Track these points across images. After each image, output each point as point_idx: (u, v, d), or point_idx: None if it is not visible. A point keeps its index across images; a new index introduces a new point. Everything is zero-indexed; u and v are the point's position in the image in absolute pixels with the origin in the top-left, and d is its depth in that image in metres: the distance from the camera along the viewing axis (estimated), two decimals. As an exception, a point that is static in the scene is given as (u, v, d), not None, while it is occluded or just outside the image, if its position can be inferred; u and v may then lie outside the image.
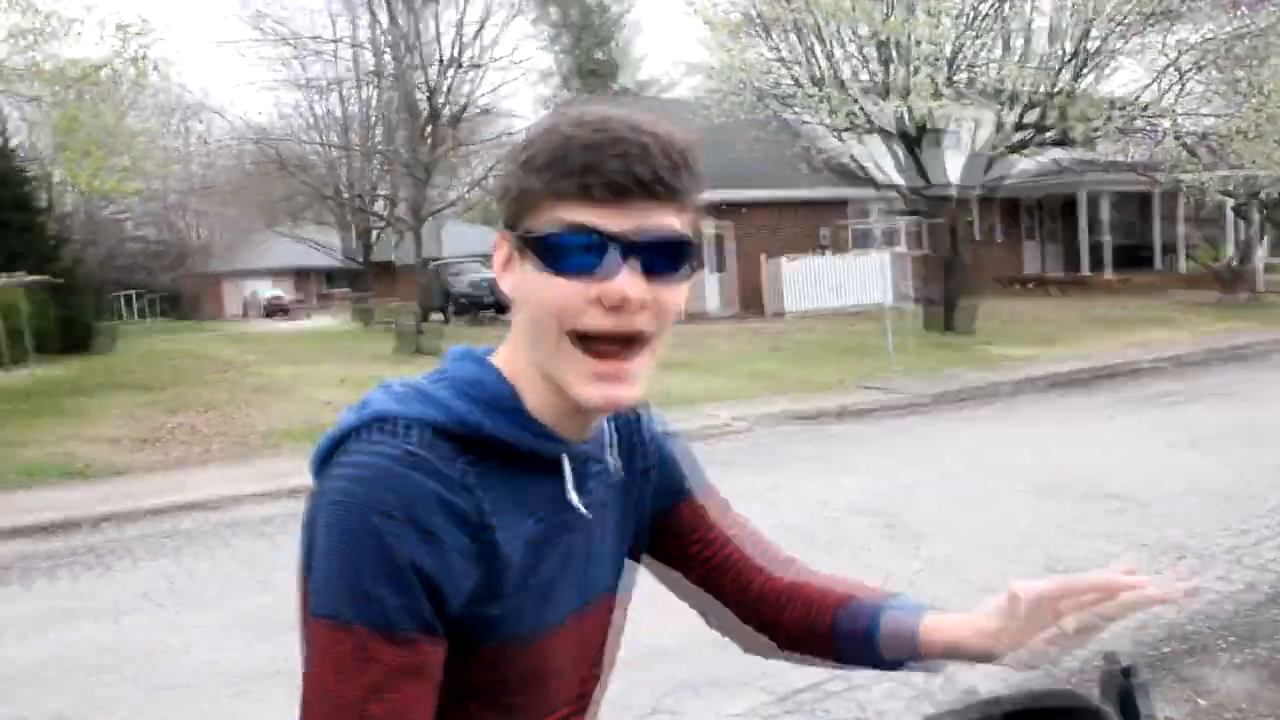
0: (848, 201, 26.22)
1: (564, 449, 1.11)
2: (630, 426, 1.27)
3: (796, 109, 19.87)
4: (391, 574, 0.95)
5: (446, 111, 22.83)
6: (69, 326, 28.62)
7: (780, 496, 7.72)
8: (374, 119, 31.95)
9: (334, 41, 27.59)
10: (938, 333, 17.94)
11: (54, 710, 4.53)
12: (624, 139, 1.00)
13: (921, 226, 18.67)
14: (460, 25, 21.70)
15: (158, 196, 50.87)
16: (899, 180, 18.93)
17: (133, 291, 52.15)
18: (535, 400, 1.09)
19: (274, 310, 50.82)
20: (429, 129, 21.92)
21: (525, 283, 1.05)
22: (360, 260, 35.93)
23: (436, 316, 33.37)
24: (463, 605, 1.01)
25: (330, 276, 57.01)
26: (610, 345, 1.02)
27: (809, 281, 25.16)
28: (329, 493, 0.99)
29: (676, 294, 1.05)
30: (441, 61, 22.03)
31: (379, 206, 31.43)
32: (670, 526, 1.31)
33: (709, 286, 26.10)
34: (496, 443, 1.05)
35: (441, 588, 0.98)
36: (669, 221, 1.02)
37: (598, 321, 1.01)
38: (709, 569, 1.31)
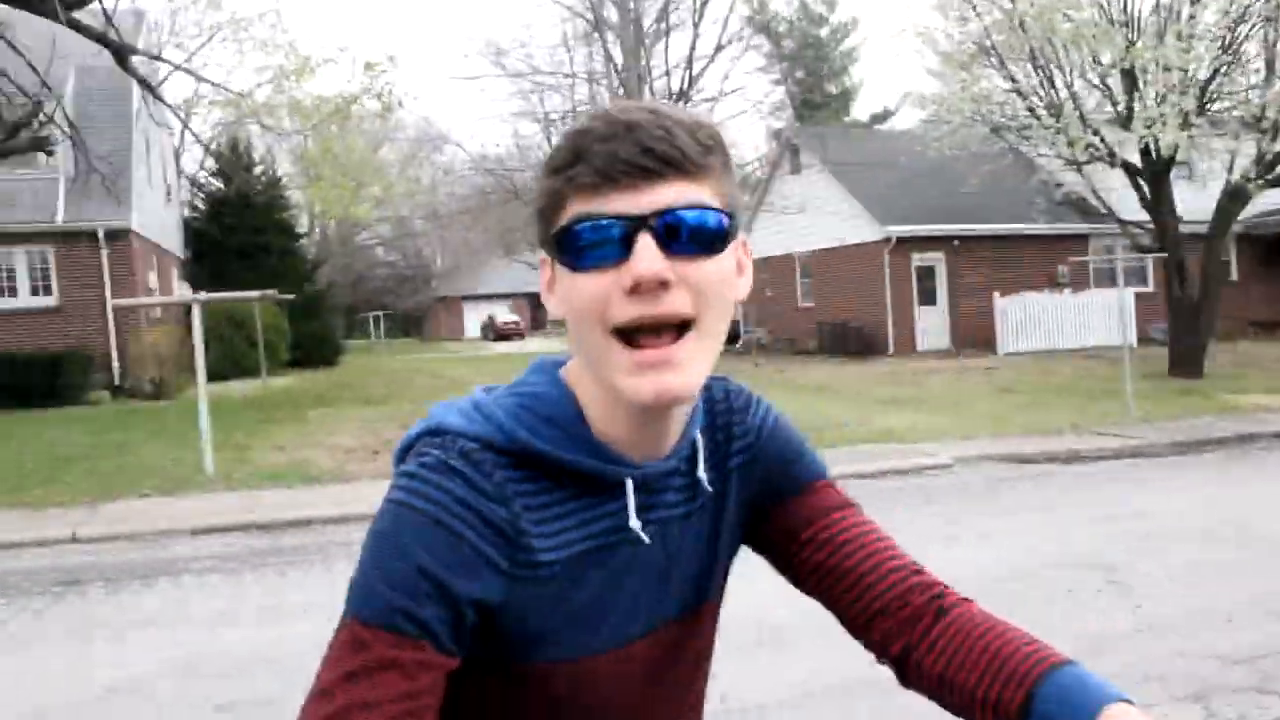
0: (1085, 237, 25.05)
1: (628, 471, 1.06)
2: (726, 427, 1.20)
3: (1032, 141, 19.12)
4: (402, 574, 0.95)
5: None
6: (320, 343, 30.77)
7: (995, 540, 7.39)
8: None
9: (568, 76, 28.58)
10: (1182, 378, 16.79)
11: (264, 694, 4.83)
12: (641, 124, 0.96)
13: (1166, 264, 17.50)
14: (690, 59, 22.05)
15: (405, 224, 54.33)
16: (1142, 215, 17.86)
17: (379, 312, 55.45)
18: (601, 415, 1.06)
19: (506, 333, 53.03)
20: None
21: (561, 292, 1.02)
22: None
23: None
24: (490, 616, 1.00)
25: (563, 303, 59.09)
26: (650, 335, 0.97)
27: (1038, 319, 24.18)
28: (383, 503, 1.01)
29: (712, 270, 0.99)
30: (670, 94, 22.42)
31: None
32: (776, 525, 1.21)
33: (922, 321, 25.41)
34: (549, 460, 1.03)
35: (459, 595, 0.96)
36: (692, 196, 0.97)
37: (627, 311, 0.96)
38: (824, 574, 1.17)
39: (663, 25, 22.72)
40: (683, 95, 22.51)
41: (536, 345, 43.11)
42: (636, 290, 0.95)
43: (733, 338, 32.96)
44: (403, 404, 17.48)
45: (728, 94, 23.41)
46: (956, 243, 25.11)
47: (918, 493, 9.27)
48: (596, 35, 23.57)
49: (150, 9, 21.32)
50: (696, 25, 22.12)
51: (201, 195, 33.13)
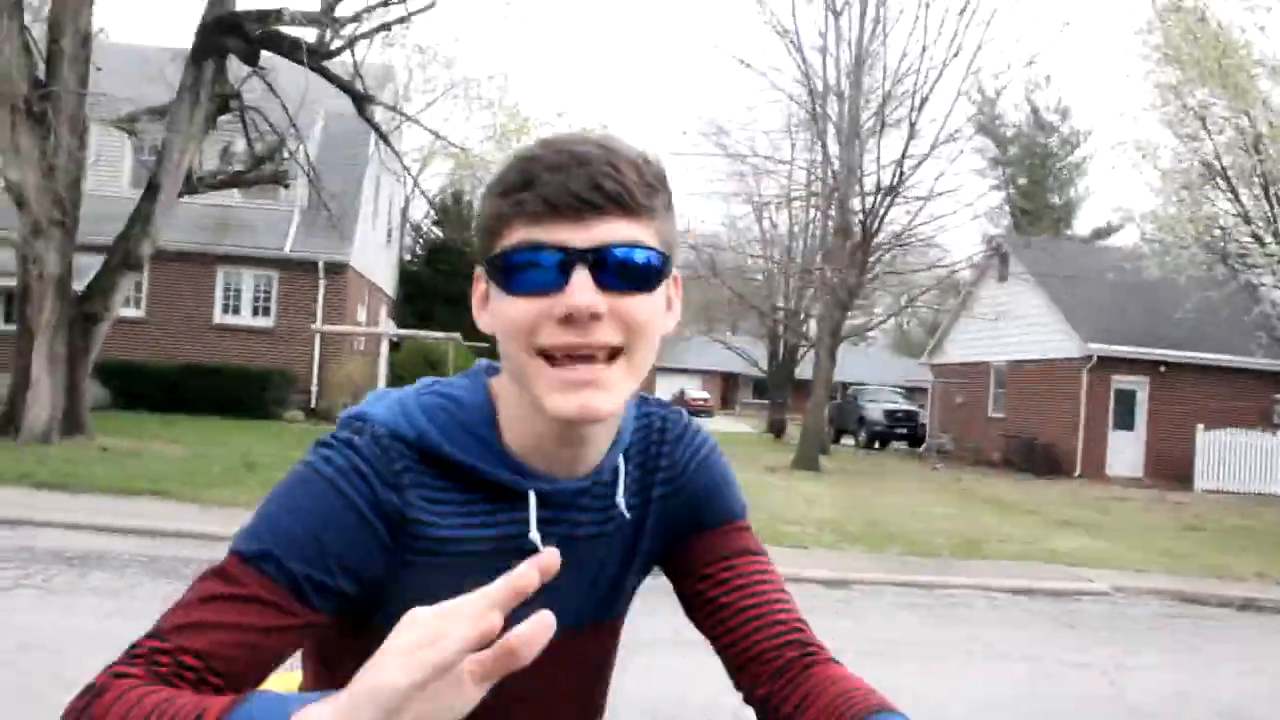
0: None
1: (531, 484, 1.11)
2: (656, 456, 1.24)
3: (1257, 270, 18.12)
4: (288, 528, 1.02)
5: (879, 238, 23.11)
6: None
7: (1128, 676, 6.99)
8: (810, 238, 32.98)
9: (785, 162, 28.91)
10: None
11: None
12: (590, 155, 1.01)
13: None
14: (903, 156, 21.95)
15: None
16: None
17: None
18: (517, 429, 1.11)
19: (694, 409, 53.44)
20: (858, 253, 22.25)
21: (494, 310, 1.07)
22: (780, 374, 36.87)
23: (848, 440, 33.60)
24: (373, 589, 1.05)
25: (758, 386, 59.28)
26: (580, 360, 1.02)
27: (1243, 458, 22.65)
28: (293, 465, 1.09)
29: (644, 305, 1.03)
30: (879, 189, 22.37)
31: (806, 325, 32.23)
32: (684, 555, 1.24)
33: (1115, 445, 24.18)
34: (453, 463, 1.09)
35: (336, 562, 1.02)
36: (633, 235, 1.02)
37: (557, 338, 1.01)
38: (713, 610, 1.21)
39: (879, 121, 22.75)
40: (892, 191, 22.41)
41: (724, 424, 43.22)
42: (569, 320, 1.00)
43: (915, 440, 32.18)
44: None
45: (940, 194, 23.08)
46: (1163, 368, 23.92)
47: (1063, 617, 8.85)
48: (815, 124, 23.82)
49: (392, 64, 22.72)
50: (913, 125, 22.04)
51: (420, 241, 35.02)
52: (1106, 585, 10.21)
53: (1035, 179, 46.40)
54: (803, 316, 32.73)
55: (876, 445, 32.77)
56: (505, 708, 1.10)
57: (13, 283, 15.08)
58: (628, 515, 1.20)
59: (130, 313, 20.71)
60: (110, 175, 22.07)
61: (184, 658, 0.95)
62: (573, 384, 1.02)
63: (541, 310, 1.01)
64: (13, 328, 15.12)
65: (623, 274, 1.01)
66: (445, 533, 1.08)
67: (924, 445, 30.66)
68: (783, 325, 34.37)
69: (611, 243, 1.00)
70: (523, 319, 1.02)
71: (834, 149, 23.00)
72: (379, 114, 17.39)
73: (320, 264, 21.80)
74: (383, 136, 17.49)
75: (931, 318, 43.34)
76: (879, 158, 22.95)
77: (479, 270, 1.10)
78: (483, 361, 1.20)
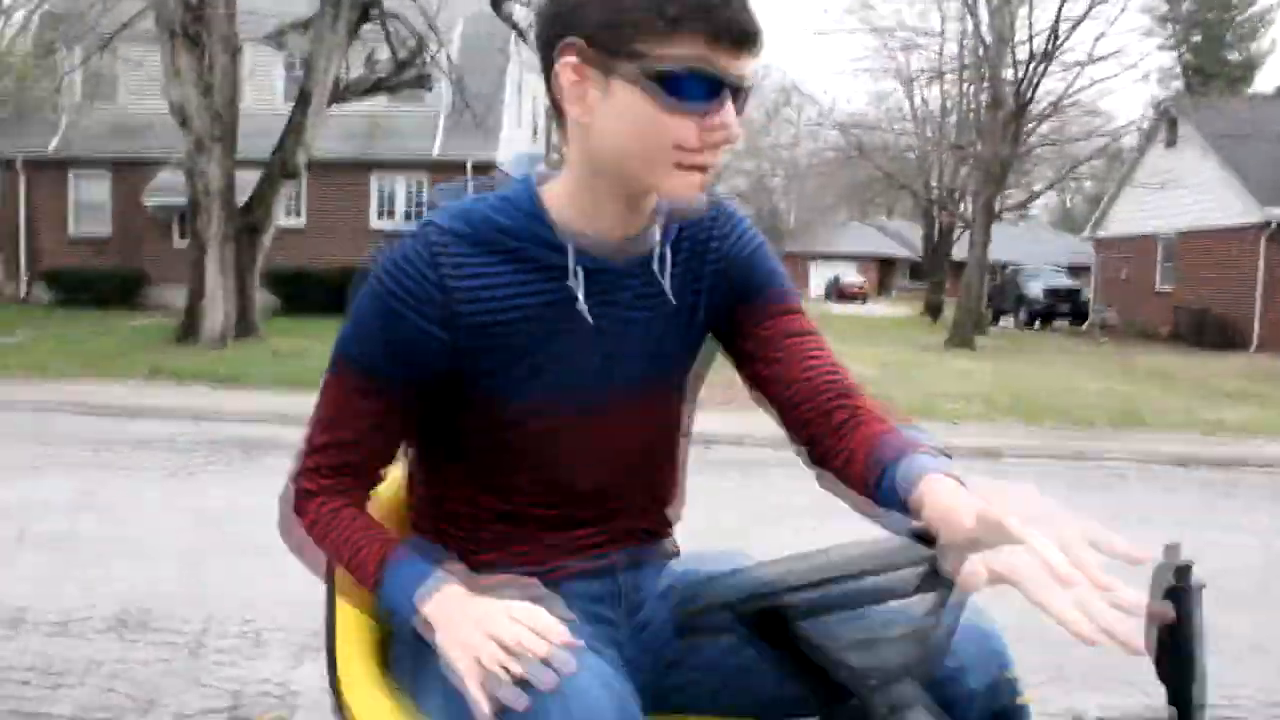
0: None
1: (578, 259, 1.24)
2: (695, 240, 1.35)
3: None
4: (365, 335, 1.25)
5: (1034, 108, 22.13)
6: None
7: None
8: (962, 112, 31.77)
9: (935, 35, 27.85)
10: None
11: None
12: None
13: None
14: (1057, 20, 20.85)
15: (763, 179, 55.04)
16: None
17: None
18: (568, 216, 1.24)
19: (847, 294, 52.67)
20: (1011, 125, 21.36)
21: (621, 108, 1.15)
22: (935, 255, 35.99)
23: (1007, 322, 32.70)
24: (445, 370, 1.25)
25: (913, 269, 58.02)
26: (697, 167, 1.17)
27: None
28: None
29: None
30: (1033, 56, 21.34)
31: (961, 203, 31.25)
32: (739, 336, 1.37)
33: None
34: (506, 233, 1.24)
35: (405, 357, 1.23)
36: (750, 71, 1.17)
37: (694, 150, 1.15)
38: (767, 382, 1.35)
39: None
40: (1047, 57, 21.36)
41: (880, 309, 42.57)
42: (714, 139, 1.15)
43: (1078, 318, 31.12)
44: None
45: (1100, 58, 21.87)
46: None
47: (1222, 487, 8.59)
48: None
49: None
50: (1068, -17, 20.88)
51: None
52: (1273, 456, 9.83)
53: (1211, 34, 43.26)
54: (958, 195, 31.76)
55: (1037, 324, 31.81)
56: (587, 463, 1.31)
57: (184, 200, 15.98)
58: (674, 300, 1.32)
59: (291, 222, 21.64)
60: (264, 91, 22.92)
61: (340, 464, 1.28)
62: (694, 185, 1.18)
63: (692, 124, 1.14)
64: (187, 244, 16.07)
65: (742, 108, 1.17)
66: (499, 308, 1.24)
67: (1086, 322, 29.63)
68: (937, 205, 33.46)
69: (749, 80, 1.16)
70: (678, 130, 1.14)
71: (984, 17, 22.00)
72: (517, 12, 17.48)
73: (468, 164, 22.25)
74: (521, 34, 17.61)
75: (1095, 190, 41.46)
76: (1031, 23, 21.86)
77: (573, 59, 1.15)
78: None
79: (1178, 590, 1.01)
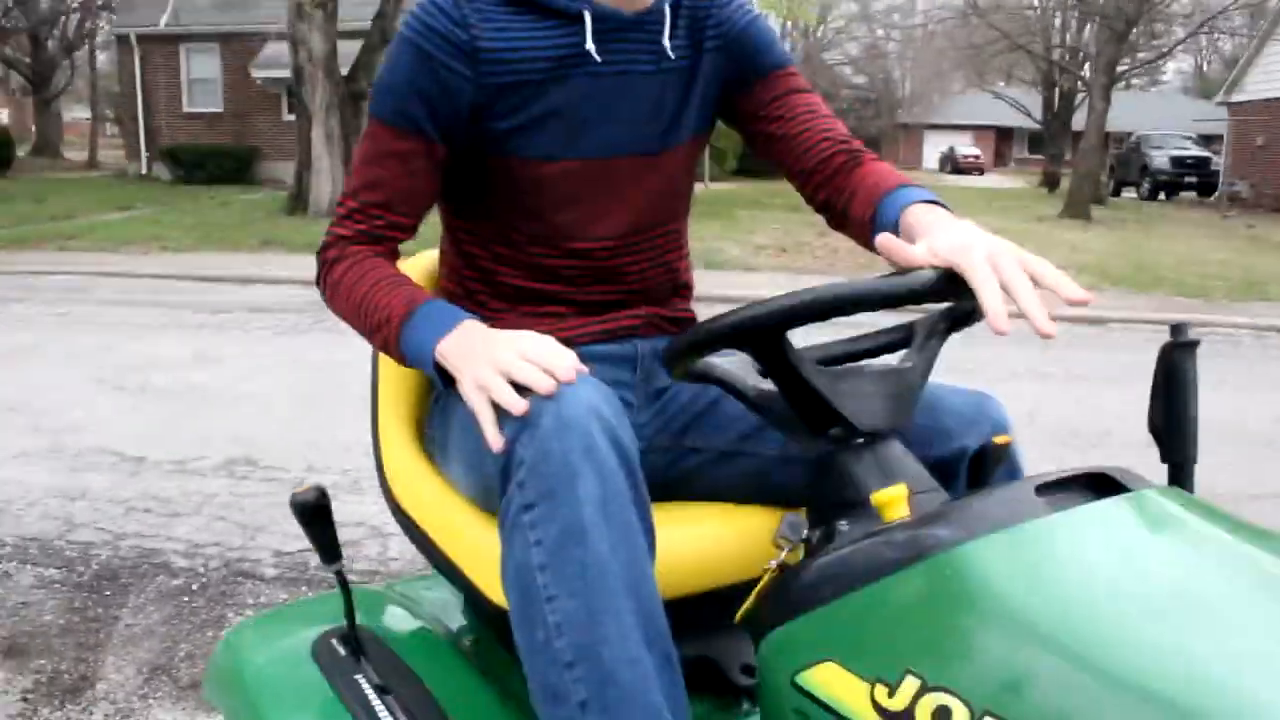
0: None
1: (588, 6, 1.33)
2: (695, 9, 1.43)
3: None
4: (398, 84, 1.32)
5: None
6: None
7: None
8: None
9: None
10: None
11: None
12: None
13: None
14: None
15: (878, 45, 53.16)
16: None
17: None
18: None
19: (965, 168, 51.02)
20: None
21: None
22: (1055, 124, 34.50)
23: (1131, 195, 31.32)
24: (467, 113, 1.33)
25: (1032, 140, 55.71)
26: None
27: None
28: None
29: None
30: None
31: (1084, 67, 29.75)
32: (741, 102, 1.47)
33: None
34: None
35: (436, 98, 1.31)
36: None
37: None
38: (774, 141, 1.46)
39: None
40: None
41: (995, 181, 41.19)
42: None
43: (1207, 190, 29.71)
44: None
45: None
46: None
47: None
48: None
49: None
50: None
51: None
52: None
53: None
54: (1081, 57, 30.23)
55: (1162, 196, 30.42)
56: (597, 215, 1.40)
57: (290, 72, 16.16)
58: (673, 56, 1.39)
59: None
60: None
61: (372, 210, 1.35)
62: None
63: None
64: (293, 118, 16.30)
65: None
66: (517, 53, 1.32)
67: (1216, 193, 28.26)
68: (1058, 68, 31.95)
69: None
70: None
71: None
72: None
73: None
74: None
75: (1234, 52, 39.07)
76: None
77: None
78: None
79: (1174, 348, 1.09)
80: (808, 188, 1.45)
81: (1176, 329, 1.13)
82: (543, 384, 1.05)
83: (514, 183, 1.37)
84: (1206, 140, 35.18)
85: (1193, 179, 30.21)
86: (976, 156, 53.41)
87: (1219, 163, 30.03)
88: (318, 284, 1.40)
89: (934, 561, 0.88)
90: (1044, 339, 0.96)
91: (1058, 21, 31.53)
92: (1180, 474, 1.15)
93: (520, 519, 1.04)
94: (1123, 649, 0.76)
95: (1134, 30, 21.46)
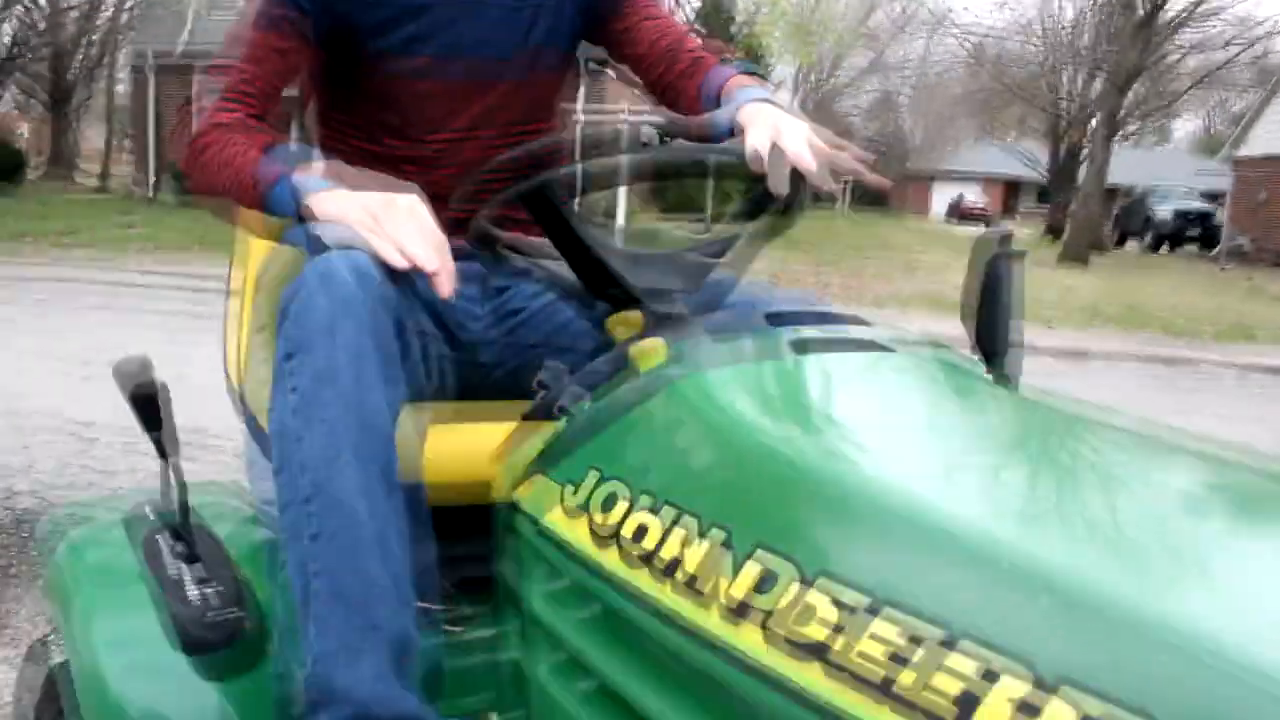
0: None
1: None
2: None
3: None
4: None
5: (1167, 13, 20.98)
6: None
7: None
8: (1095, 20, 30.29)
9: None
10: None
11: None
12: None
13: None
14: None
15: (890, 96, 53.54)
16: None
17: (845, 184, 55.24)
18: None
19: (969, 215, 51.15)
20: (1142, 31, 20.26)
21: None
22: (1061, 175, 34.64)
23: (1132, 245, 31.31)
24: (328, 14, 1.41)
25: (1040, 193, 55.85)
26: None
27: None
28: None
29: None
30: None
31: (1090, 121, 29.94)
32: (604, 30, 1.60)
33: None
34: None
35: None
36: None
37: None
38: (626, 52, 1.59)
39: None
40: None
41: (1020, 234, 41.06)
42: None
43: (1209, 243, 29.74)
44: (836, 259, 17.80)
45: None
46: None
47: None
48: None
49: None
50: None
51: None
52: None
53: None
54: (1088, 111, 30.43)
55: (1164, 248, 30.44)
56: (449, 116, 1.48)
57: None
58: None
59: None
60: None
61: (243, 85, 1.40)
62: None
63: None
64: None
65: None
66: None
67: (1217, 247, 28.29)
68: (1064, 122, 32.14)
69: None
70: None
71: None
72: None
73: None
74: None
75: (1241, 110, 39.26)
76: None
77: None
78: None
79: (997, 257, 1.15)
80: (658, 91, 1.58)
81: (1002, 239, 1.18)
82: (430, 262, 1.09)
83: (370, 76, 1.44)
84: (1211, 196, 35.28)
85: (1195, 232, 30.25)
86: (983, 207, 53.63)
87: (1221, 216, 30.09)
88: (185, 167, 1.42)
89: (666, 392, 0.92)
90: (829, 199, 1.07)
91: (1065, 77, 31.75)
92: (995, 361, 1.17)
93: (282, 368, 1.06)
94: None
95: (1140, 85, 21.60)
